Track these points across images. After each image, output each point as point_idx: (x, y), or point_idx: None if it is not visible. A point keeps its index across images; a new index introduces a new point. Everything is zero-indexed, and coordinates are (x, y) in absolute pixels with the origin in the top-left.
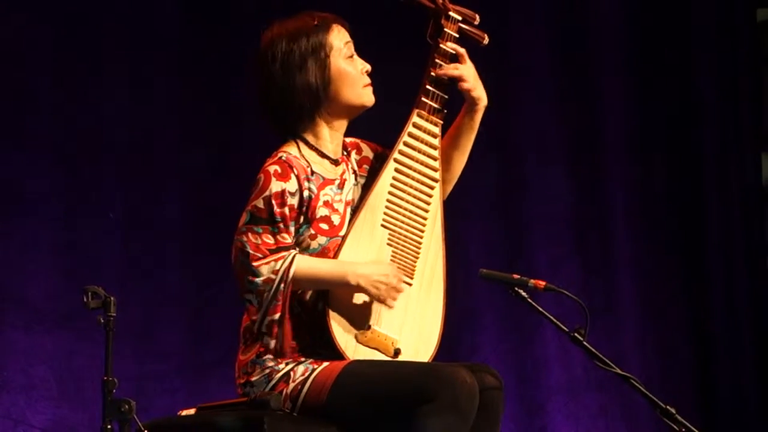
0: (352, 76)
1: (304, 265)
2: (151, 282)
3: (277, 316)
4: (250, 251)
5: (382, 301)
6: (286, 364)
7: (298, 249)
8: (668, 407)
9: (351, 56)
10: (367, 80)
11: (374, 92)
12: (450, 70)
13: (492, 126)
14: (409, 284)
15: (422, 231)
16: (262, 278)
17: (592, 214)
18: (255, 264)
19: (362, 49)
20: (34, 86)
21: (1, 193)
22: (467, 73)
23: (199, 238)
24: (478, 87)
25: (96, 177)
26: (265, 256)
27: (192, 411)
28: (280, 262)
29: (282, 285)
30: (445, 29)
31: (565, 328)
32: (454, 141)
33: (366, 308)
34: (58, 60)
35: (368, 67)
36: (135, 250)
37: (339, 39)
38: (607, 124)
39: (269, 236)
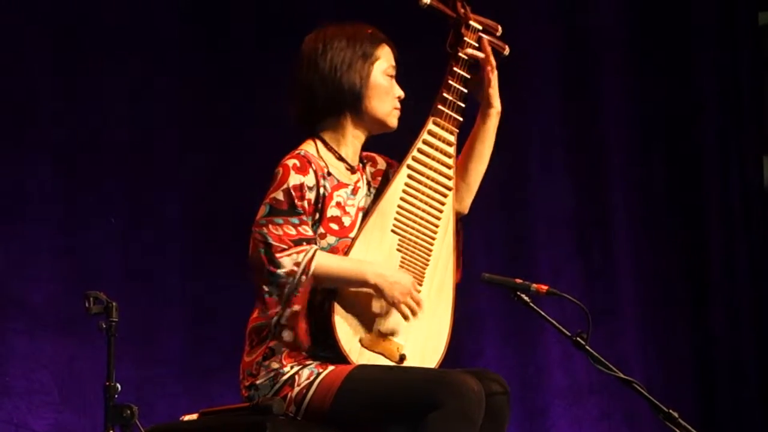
0: (387, 91)
1: (325, 260)
2: (153, 286)
3: (297, 307)
4: (273, 242)
5: (395, 305)
6: (291, 367)
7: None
8: (671, 411)
9: (392, 75)
10: (398, 104)
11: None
12: (477, 51)
13: None
14: (418, 291)
15: (433, 239)
16: (284, 270)
17: (594, 216)
18: (278, 255)
19: None
20: (34, 88)
21: (2, 196)
22: (494, 61)
23: (201, 241)
24: (496, 88)
25: (96, 180)
26: (288, 248)
27: (194, 416)
28: (302, 255)
29: (303, 277)
30: (465, 38)
31: (567, 332)
32: (471, 150)
33: (372, 312)
34: (58, 60)
35: (402, 93)
36: (136, 254)
37: (385, 55)
38: (608, 126)
39: (290, 227)
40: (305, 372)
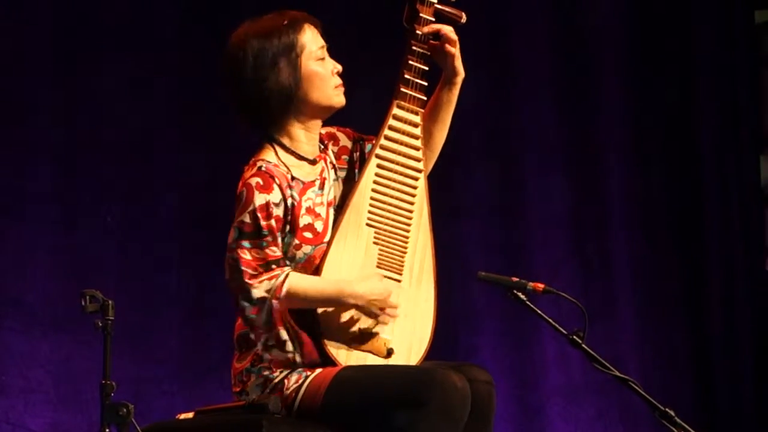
0: (322, 77)
1: (297, 283)
2: (150, 285)
3: (281, 330)
4: (243, 267)
5: (375, 318)
6: (280, 372)
7: (290, 265)
8: (667, 409)
9: (322, 58)
10: (338, 81)
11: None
12: (434, 26)
13: (490, 127)
14: (398, 281)
15: (408, 225)
16: (257, 297)
17: (591, 215)
18: (249, 282)
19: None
20: (33, 87)
21: (0, 195)
22: (453, 35)
23: (198, 240)
24: (459, 57)
25: (94, 179)
26: (258, 274)
27: (190, 415)
28: (273, 281)
29: (275, 302)
30: (421, 14)
31: (563, 331)
32: (433, 116)
33: (355, 312)
34: (57, 60)
35: (339, 68)
36: (133, 253)
37: (310, 39)
38: (605, 126)
39: (258, 251)
40: (294, 376)
